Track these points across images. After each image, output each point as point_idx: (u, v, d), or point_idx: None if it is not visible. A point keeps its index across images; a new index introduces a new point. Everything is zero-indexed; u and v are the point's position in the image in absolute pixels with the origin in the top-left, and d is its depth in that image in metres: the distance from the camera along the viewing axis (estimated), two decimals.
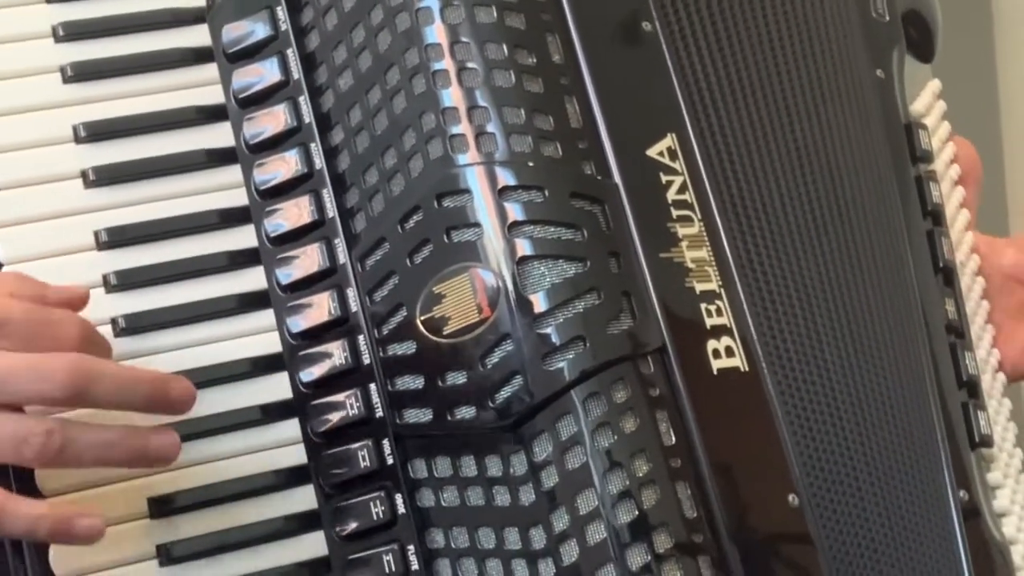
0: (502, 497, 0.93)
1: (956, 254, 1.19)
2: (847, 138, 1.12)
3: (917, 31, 1.24)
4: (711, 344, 0.96)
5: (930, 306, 1.13)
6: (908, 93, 1.20)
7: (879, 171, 1.14)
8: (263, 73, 1.04)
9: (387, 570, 0.96)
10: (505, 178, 0.94)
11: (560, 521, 0.91)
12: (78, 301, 0.95)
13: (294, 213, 1.01)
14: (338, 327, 0.99)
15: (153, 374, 0.94)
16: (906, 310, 1.11)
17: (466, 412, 0.94)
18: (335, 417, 0.98)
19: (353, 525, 0.97)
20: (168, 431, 0.92)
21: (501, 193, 0.94)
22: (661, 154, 0.99)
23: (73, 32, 1.04)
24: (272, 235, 1.01)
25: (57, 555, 0.93)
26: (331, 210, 1.01)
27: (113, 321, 0.98)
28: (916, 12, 1.25)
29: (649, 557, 0.89)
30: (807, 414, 1.00)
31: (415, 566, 0.96)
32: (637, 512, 0.90)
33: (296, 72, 1.03)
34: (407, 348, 0.96)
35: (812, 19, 1.14)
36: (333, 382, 0.99)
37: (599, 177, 0.96)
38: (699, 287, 0.97)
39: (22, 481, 0.93)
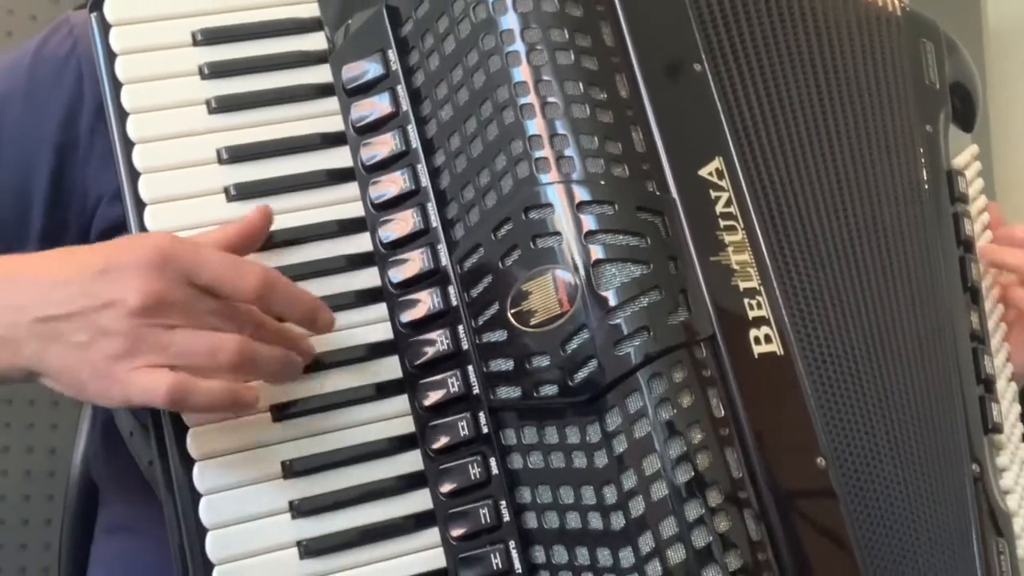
0: (580, 460, 0.96)
1: (983, 281, 1.23)
2: (891, 174, 1.16)
3: (961, 103, 1.28)
4: (752, 332, 0.99)
5: (958, 315, 1.16)
6: (951, 152, 1.24)
7: (921, 204, 1.17)
8: (376, 106, 1.06)
9: (483, 521, 0.99)
10: (581, 194, 0.97)
11: (628, 480, 0.94)
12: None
13: (403, 223, 1.03)
14: (441, 319, 1.02)
15: (313, 298, 0.99)
16: (935, 315, 1.14)
17: (549, 390, 0.97)
18: (439, 393, 1.01)
19: (454, 484, 1.00)
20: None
21: (578, 207, 0.97)
22: (710, 174, 1.02)
23: (216, 71, 1.06)
24: (385, 241, 1.04)
25: (207, 506, 0.98)
26: (434, 220, 1.03)
27: None
28: (961, 85, 1.29)
29: (703, 510, 0.93)
30: (833, 391, 1.03)
31: (507, 518, 0.99)
32: (693, 473, 0.93)
33: (405, 105, 1.05)
34: (499, 336, 0.99)
35: (868, 78, 1.18)
36: (437, 364, 1.02)
37: (659, 193, 0.99)
38: (742, 285, 1.00)
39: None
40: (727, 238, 1.01)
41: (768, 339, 1.00)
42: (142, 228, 1.02)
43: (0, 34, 2.30)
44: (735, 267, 1.00)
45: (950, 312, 1.16)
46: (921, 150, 1.20)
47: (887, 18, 1.23)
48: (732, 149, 1.05)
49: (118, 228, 1.07)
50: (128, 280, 0.93)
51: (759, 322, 1.00)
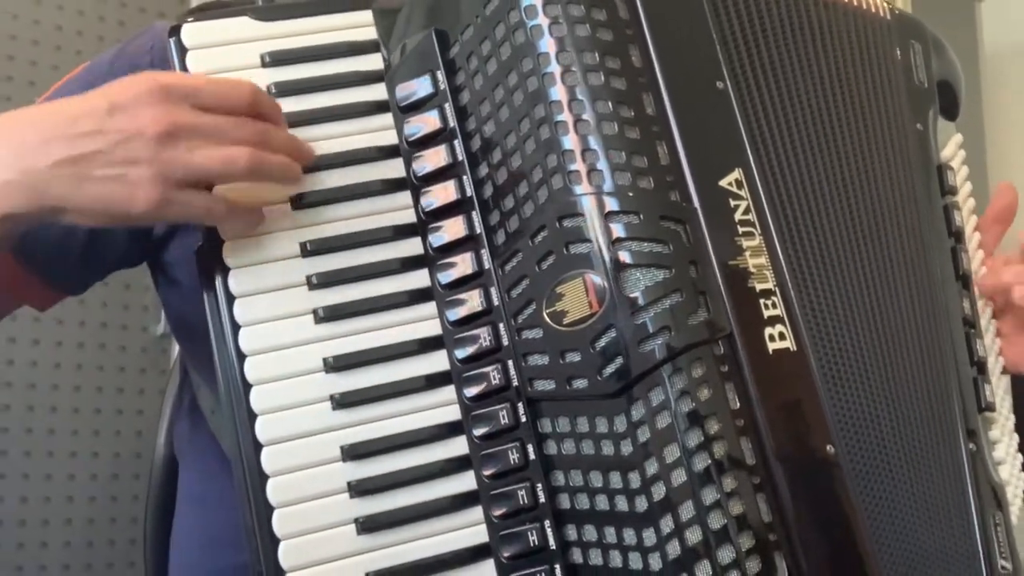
0: (608, 448, 0.98)
1: (972, 265, 1.23)
2: (888, 175, 1.16)
3: (946, 97, 1.29)
4: (767, 330, 1.00)
5: (951, 303, 1.17)
6: (939, 143, 1.25)
7: (916, 200, 1.18)
8: (427, 121, 1.08)
9: (521, 502, 1.01)
10: (610, 205, 0.98)
11: (651, 467, 0.95)
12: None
13: (451, 229, 1.06)
14: (484, 317, 1.04)
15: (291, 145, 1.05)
16: (932, 305, 1.15)
17: (580, 383, 0.99)
18: (482, 385, 1.03)
19: (495, 467, 1.02)
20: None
21: (607, 216, 0.98)
22: (730, 184, 1.03)
23: (282, 90, 1.08)
24: (435, 246, 1.06)
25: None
26: (478, 227, 1.05)
27: (314, 312, 1.04)
28: (946, 82, 1.29)
29: (719, 495, 0.94)
30: (842, 382, 1.04)
31: (542, 499, 1.01)
32: (710, 460, 0.94)
33: (452, 121, 1.07)
34: (536, 334, 1.01)
35: (866, 84, 1.18)
36: (480, 358, 1.04)
37: (682, 203, 1.00)
38: (759, 286, 1.00)
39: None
40: (745, 243, 1.02)
41: (782, 336, 1.01)
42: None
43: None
44: (752, 270, 1.01)
45: (944, 300, 1.17)
46: (913, 148, 1.21)
47: (879, 23, 1.24)
48: (751, 160, 1.05)
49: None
50: (140, 113, 0.98)
51: (774, 320, 1.01)
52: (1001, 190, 1.31)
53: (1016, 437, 1.23)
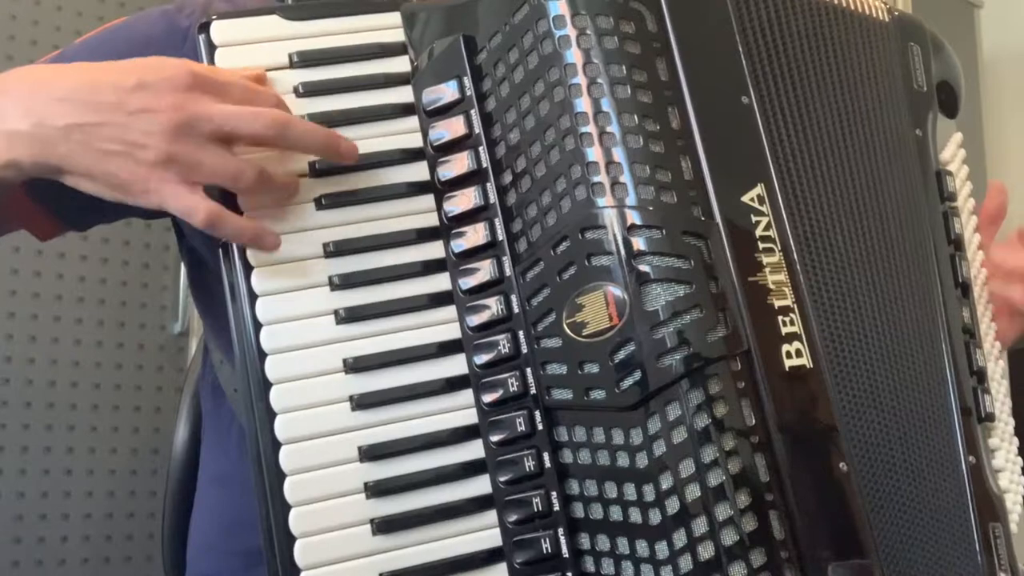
0: (623, 459, 0.97)
1: (971, 268, 1.22)
2: (892, 184, 1.15)
3: (946, 96, 1.27)
4: (784, 347, 0.99)
5: (951, 312, 1.16)
6: (938, 143, 1.23)
7: (916, 208, 1.16)
8: (452, 127, 1.06)
9: (535, 508, 1.00)
10: (633, 218, 0.97)
11: (666, 481, 0.95)
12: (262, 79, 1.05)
13: (473, 235, 1.04)
14: (503, 324, 1.02)
15: (329, 131, 1.03)
16: (933, 316, 1.14)
17: (598, 394, 0.98)
18: (499, 391, 1.02)
19: (511, 473, 1.01)
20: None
21: (630, 230, 0.97)
22: (752, 200, 1.01)
23: (310, 90, 1.07)
24: (456, 251, 1.04)
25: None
26: (501, 234, 1.04)
27: (335, 312, 1.02)
28: (946, 82, 1.27)
29: (733, 511, 0.93)
30: (856, 400, 1.03)
31: (556, 507, 1.00)
32: (724, 476, 0.94)
33: (477, 127, 1.05)
34: (555, 343, 1.00)
35: (870, 93, 1.16)
36: (499, 365, 1.02)
37: (704, 218, 0.99)
38: (777, 303, 0.99)
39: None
40: (765, 259, 1.00)
41: (799, 353, 0.99)
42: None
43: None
44: (771, 287, 1.00)
45: (945, 311, 1.16)
46: (913, 155, 1.19)
47: (881, 29, 1.22)
48: (773, 176, 1.04)
49: None
50: (162, 97, 0.97)
51: (791, 337, 0.99)
52: (992, 191, 1.30)
53: (1016, 441, 1.22)
